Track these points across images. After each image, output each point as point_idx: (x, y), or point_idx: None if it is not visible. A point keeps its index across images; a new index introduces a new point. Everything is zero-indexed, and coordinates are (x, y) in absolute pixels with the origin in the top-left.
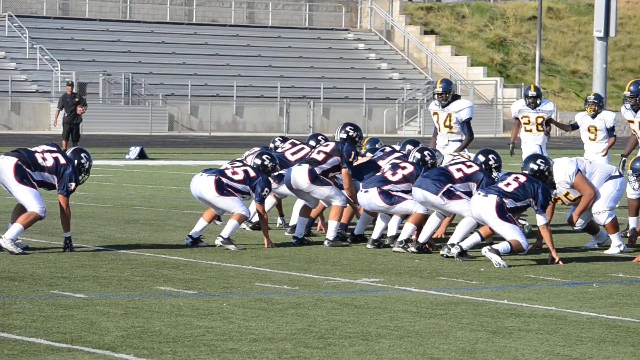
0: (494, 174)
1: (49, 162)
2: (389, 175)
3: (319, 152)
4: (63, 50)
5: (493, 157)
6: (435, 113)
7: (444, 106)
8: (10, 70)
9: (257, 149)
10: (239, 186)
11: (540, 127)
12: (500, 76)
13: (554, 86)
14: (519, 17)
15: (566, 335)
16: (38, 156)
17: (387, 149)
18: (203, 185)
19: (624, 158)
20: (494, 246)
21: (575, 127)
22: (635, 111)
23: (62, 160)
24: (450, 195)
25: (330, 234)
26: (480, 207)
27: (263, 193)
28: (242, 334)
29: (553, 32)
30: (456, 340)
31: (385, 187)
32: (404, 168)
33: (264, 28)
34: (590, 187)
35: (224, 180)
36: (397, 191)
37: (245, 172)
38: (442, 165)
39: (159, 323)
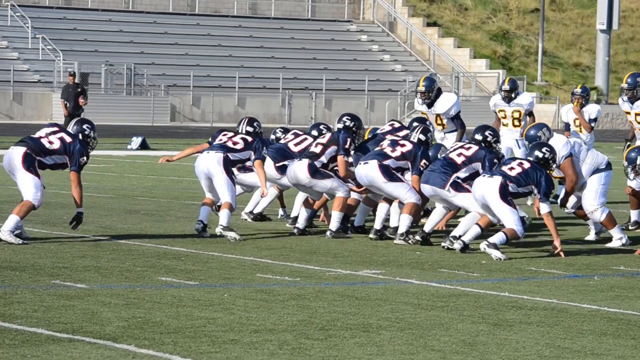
0: (497, 147)
1: (56, 144)
2: (388, 150)
3: (316, 145)
4: (65, 40)
5: (490, 133)
6: (423, 113)
7: (429, 105)
8: (12, 60)
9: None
10: (243, 155)
11: (517, 122)
12: (503, 68)
13: (557, 79)
14: (521, 9)
15: (567, 328)
16: (44, 141)
17: (396, 125)
18: (211, 163)
19: (628, 142)
20: (491, 240)
21: (567, 127)
22: (632, 103)
23: (68, 139)
24: (457, 187)
25: (334, 225)
26: (484, 187)
27: (263, 152)
28: (243, 325)
29: (556, 24)
30: (457, 333)
31: (385, 162)
32: (403, 145)
33: (267, 19)
34: (574, 174)
35: (231, 157)
36: (395, 169)
37: (244, 140)
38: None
39: (160, 314)
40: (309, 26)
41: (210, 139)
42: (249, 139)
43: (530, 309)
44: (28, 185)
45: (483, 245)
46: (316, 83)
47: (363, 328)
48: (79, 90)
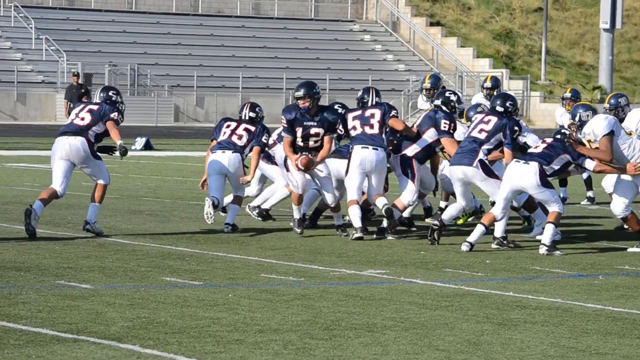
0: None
1: (87, 118)
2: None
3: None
4: (69, 40)
5: (510, 103)
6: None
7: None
8: (16, 60)
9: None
10: (249, 149)
11: None
12: (506, 68)
13: (560, 78)
14: (525, 8)
15: (572, 328)
16: (77, 122)
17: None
18: (231, 165)
19: None
20: (544, 241)
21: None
22: None
23: (95, 107)
24: (488, 172)
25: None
26: (521, 174)
27: (263, 138)
28: (247, 325)
29: (559, 23)
30: (462, 332)
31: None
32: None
33: (270, 19)
34: (610, 154)
35: (243, 156)
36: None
37: (247, 130)
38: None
39: (165, 314)
40: (312, 26)
41: (214, 133)
42: (252, 128)
43: (534, 308)
44: (101, 170)
45: (543, 250)
46: (319, 83)
47: (367, 328)
48: (83, 90)
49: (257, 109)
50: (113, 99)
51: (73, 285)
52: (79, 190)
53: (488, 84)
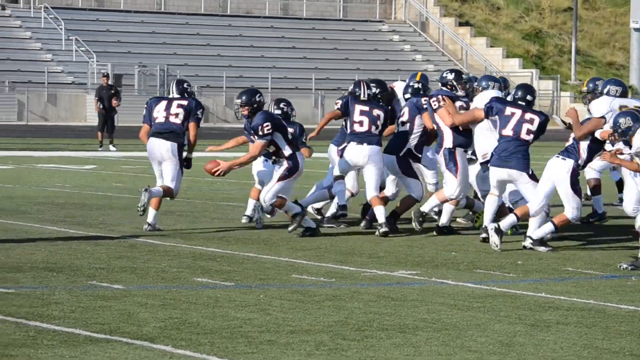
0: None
1: (181, 114)
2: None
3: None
4: (99, 41)
5: (534, 92)
6: None
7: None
8: (46, 61)
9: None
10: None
11: None
12: (536, 68)
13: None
14: (554, 8)
15: (605, 329)
16: (173, 119)
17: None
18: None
19: None
20: (534, 235)
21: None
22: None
23: (184, 102)
24: (532, 176)
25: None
26: (557, 170)
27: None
28: (279, 326)
29: (589, 23)
30: (494, 333)
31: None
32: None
33: (299, 19)
34: None
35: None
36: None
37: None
38: (505, 132)
39: (197, 314)
40: (341, 26)
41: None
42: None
43: (567, 309)
44: (172, 175)
45: (528, 243)
46: (348, 83)
47: (399, 329)
48: (113, 91)
49: (281, 104)
50: (188, 90)
51: (105, 286)
52: (110, 191)
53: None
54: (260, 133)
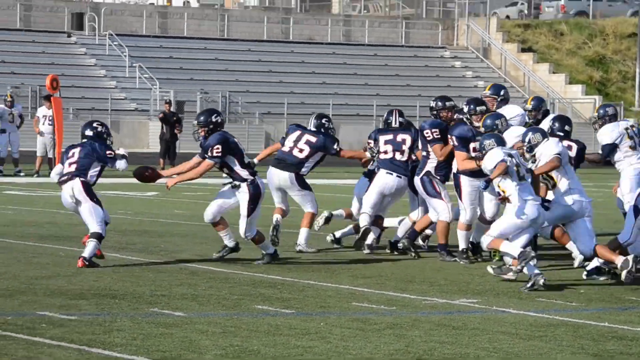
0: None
1: (306, 150)
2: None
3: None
4: (162, 68)
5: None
6: None
7: None
8: (110, 88)
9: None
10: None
11: None
12: (599, 94)
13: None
14: (618, 34)
15: None
16: (296, 153)
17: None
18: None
19: None
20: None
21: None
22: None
23: (313, 138)
24: None
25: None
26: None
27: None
28: (340, 354)
29: None
30: None
31: None
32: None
33: (361, 46)
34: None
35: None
36: None
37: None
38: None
39: (257, 342)
40: (403, 52)
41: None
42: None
43: (631, 339)
44: (309, 200)
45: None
46: (410, 110)
47: (460, 357)
48: (175, 118)
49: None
50: (326, 125)
51: (166, 313)
52: (172, 217)
53: (529, 106)
54: (209, 154)
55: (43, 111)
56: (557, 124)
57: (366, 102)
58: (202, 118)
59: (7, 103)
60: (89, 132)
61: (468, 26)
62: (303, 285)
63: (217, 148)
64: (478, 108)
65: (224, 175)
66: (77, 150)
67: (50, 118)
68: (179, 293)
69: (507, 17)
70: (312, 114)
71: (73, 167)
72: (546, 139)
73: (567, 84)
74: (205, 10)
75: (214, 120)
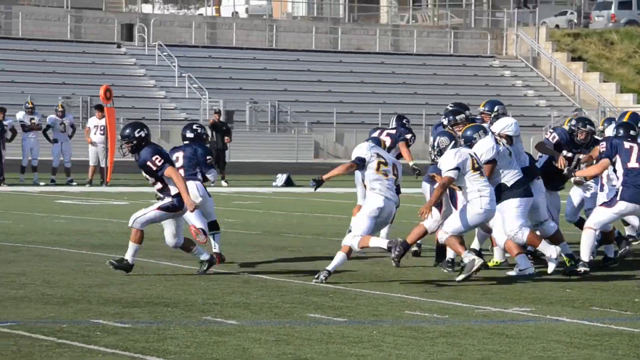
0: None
1: (387, 141)
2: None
3: None
4: (211, 78)
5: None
6: None
7: None
8: (160, 98)
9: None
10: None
11: None
12: None
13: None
14: None
15: None
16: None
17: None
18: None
19: None
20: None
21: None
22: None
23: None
24: None
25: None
26: None
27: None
28: None
29: None
30: None
31: None
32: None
33: (409, 55)
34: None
35: None
36: None
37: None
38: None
39: (310, 350)
40: (452, 62)
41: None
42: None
43: None
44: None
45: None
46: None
47: None
48: (224, 128)
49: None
50: (407, 126)
51: (219, 321)
52: (222, 226)
53: (481, 108)
54: (155, 167)
55: (94, 121)
56: (621, 131)
57: (415, 111)
58: (126, 132)
59: (59, 113)
60: (189, 135)
61: (517, 35)
62: (355, 294)
63: (157, 158)
64: (457, 117)
65: (156, 189)
66: (180, 155)
67: (102, 128)
68: (231, 301)
69: (557, 26)
70: (361, 122)
71: (181, 172)
72: (453, 141)
73: (618, 93)
74: (253, 20)
75: (137, 135)
